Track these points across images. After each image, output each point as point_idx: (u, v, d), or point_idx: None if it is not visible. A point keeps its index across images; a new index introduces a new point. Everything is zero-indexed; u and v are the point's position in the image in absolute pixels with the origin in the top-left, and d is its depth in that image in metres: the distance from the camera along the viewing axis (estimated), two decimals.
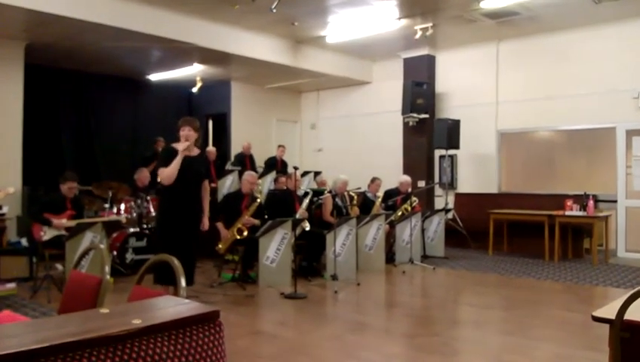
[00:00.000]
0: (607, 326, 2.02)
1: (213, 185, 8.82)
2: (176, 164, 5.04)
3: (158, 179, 5.08)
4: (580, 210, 8.05)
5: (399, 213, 8.30)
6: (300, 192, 8.00)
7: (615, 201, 8.86)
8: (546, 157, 9.90)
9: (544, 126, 9.83)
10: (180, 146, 5.09)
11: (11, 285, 6.07)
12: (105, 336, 1.06)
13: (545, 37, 9.57)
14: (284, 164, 10.90)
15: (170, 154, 5.15)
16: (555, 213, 8.23)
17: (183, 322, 1.20)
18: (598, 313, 2.11)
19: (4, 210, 7.71)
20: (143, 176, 7.92)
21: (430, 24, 8.83)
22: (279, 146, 11.10)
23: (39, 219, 6.06)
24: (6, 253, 6.71)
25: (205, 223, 5.45)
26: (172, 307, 1.32)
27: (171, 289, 4.55)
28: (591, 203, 7.95)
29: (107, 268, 2.34)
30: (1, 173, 7.71)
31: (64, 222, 6.08)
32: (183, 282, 1.93)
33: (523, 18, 8.72)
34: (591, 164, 9.49)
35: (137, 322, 1.14)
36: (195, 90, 11.11)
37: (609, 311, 2.08)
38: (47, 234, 6.02)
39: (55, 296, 5.52)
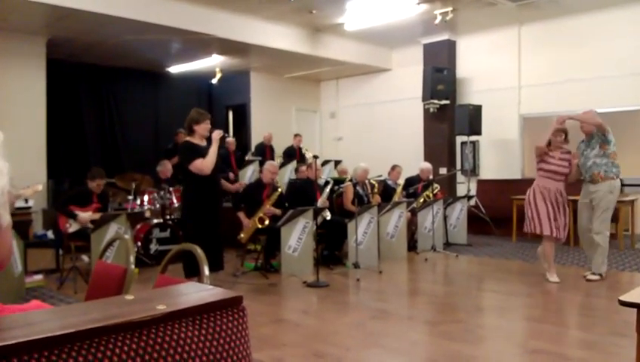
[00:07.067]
0: (634, 311, 1.99)
1: (231, 174, 8.92)
2: (213, 153, 5.19)
3: (193, 170, 5.14)
4: None
5: (421, 201, 8.26)
6: (321, 181, 8.00)
7: None
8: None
9: (567, 110, 9.57)
10: (214, 135, 5.25)
11: (39, 277, 6.21)
12: (129, 322, 1.08)
13: (567, 19, 9.38)
14: (300, 154, 10.91)
15: (193, 148, 5.24)
16: (579, 197, 8.09)
17: (207, 307, 1.21)
18: (626, 297, 2.07)
19: (30, 203, 7.86)
20: (165, 168, 8.01)
21: (450, 8, 8.70)
22: (296, 135, 11.11)
23: (65, 212, 6.15)
24: (33, 246, 6.82)
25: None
26: (196, 293, 1.34)
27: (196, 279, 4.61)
28: None
29: (132, 258, 2.37)
30: (26, 167, 7.84)
31: (88, 215, 6.16)
32: (207, 270, 1.96)
33: (544, 1, 8.55)
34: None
35: (162, 308, 1.15)
36: (214, 81, 11.17)
37: (637, 295, 2.04)
38: (72, 226, 6.12)
39: (81, 286, 5.61)
